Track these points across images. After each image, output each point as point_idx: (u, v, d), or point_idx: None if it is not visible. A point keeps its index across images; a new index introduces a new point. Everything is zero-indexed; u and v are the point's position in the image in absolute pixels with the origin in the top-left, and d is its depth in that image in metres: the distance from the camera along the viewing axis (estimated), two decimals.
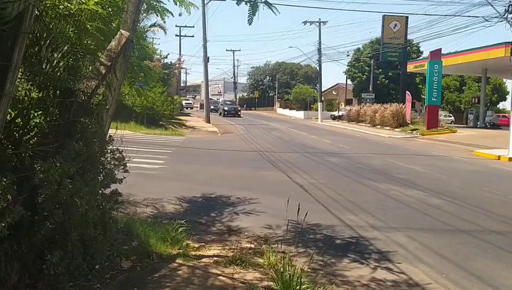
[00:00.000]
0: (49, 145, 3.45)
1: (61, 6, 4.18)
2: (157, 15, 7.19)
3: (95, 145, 4.03)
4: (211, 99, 66.87)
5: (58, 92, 3.67)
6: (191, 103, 75.42)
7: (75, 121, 3.88)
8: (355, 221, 7.48)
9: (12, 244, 3.09)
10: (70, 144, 3.56)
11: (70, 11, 4.37)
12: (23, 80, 3.25)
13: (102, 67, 4.36)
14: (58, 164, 3.28)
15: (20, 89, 3.27)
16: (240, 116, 49.23)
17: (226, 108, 51.86)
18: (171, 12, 7.22)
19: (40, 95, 3.58)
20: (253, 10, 5.91)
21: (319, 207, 8.25)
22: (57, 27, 3.66)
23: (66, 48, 3.66)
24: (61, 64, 3.61)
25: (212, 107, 55.62)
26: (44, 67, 3.46)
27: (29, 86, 3.38)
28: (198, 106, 73.50)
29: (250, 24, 6.05)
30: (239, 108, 54.50)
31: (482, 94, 39.91)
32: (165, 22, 8.61)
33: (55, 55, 3.54)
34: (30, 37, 3.03)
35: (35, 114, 3.59)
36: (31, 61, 3.34)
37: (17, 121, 3.42)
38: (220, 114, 51.56)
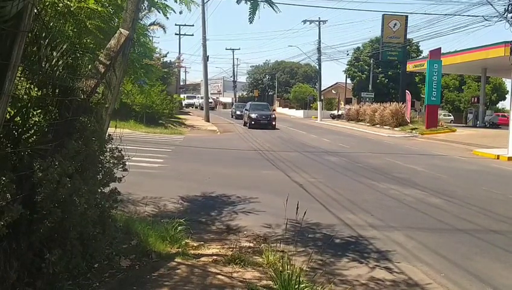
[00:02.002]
0: (48, 144, 3.44)
1: (61, 5, 4.18)
2: (159, 12, 7.16)
3: (94, 144, 4.03)
4: (239, 102, 56.08)
5: (57, 91, 3.67)
6: (211, 102, 64.03)
7: (74, 120, 3.87)
8: (354, 220, 7.49)
9: (11, 243, 3.09)
10: (70, 142, 3.55)
11: (69, 9, 4.37)
12: (22, 78, 3.25)
13: (101, 66, 4.35)
14: (57, 163, 3.28)
15: (19, 87, 3.27)
16: (275, 128, 31.66)
17: (253, 115, 32.42)
18: (172, 9, 7.20)
19: (39, 93, 3.58)
20: (254, 9, 5.90)
21: (318, 206, 8.26)
22: (56, 25, 3.66)
23: (65, 46, 3.65)
24: (60, 62, 3.61)
25: (238, 112, 43.14)
26: (43, 65, 3.46)
27: (28, 84, 3.38)
28: (217, 105, 66.96)
29: (251, 22, 6.04)
30: (273, 115, 33.73)
31: (481, 93, 39.96)
32: (167, 18, 8.58)
33: (55, 53, 3.54)
34: (29, 35, 3.02)
35: (35, 113, 3.59)
36: (30, 60, 3.33)
37: (16, 119, 3.42)
38: (245, 124, 33.87)
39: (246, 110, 35.73)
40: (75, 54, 3.96)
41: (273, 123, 32.11)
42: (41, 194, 3.21)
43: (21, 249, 3.18)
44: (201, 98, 66.36)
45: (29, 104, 3.46)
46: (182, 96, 72.96)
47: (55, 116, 3.65)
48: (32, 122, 3.56)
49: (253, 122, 31.85)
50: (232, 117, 45.47)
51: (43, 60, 3.43)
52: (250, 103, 38.32)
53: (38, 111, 3.60)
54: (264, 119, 32.01)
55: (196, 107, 66.03)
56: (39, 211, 3.25)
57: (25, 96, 3.38)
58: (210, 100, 66.63)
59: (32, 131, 3.56)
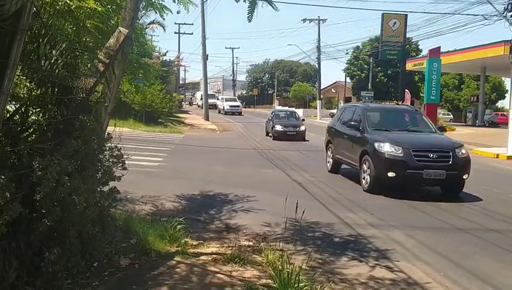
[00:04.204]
0: (47, 143, 3.44)
1: (60, 3, 4.17)
2: (156, 12, 7.18)
3: (93, 142, 4.03)
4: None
5: (56, 90, 3.66)
6: (238, 106, 50.46)
7: (74, 119, 3.87)
8: (353, 219, 7.48)
9: (10, 241, 3.09)
10: (69, 141, 3.55)
11: (69, 8, 4.36)
12: (21, 77, 3.25)
13: (100, 64, 4.35)
14: (56, 162, 3.27)
15: (21, 86, 3.27)
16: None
17: (392, 149, 9.51)
18: (169, 10, 7.21)
19: (39, 92, 3.57)
20: (252, 7, 5.88)
21: (318, 205, 8.25)
22: (56, 24, 3.65)
23: (64, 45, 3.65)
24: (59, 61, 3.60)
25: (279, 127, 22.95)
26: (42, 64, 3.45)
27: (27, 83, 3.38)
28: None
29: (250, 21, 6.02)
30: (462, 150, 10.04)
31: (480, 92, 40.02)
32: (164, 19, 8.57)
33: (54, 52, 3.54)
34: (28, 34, 3.02)
35: (34, 111, 3.59)
36: (29, 59, 3.33)
37: (15, 118, 3.41)
38: (330, 167, 12.65)
39: (345, 123, 12.12)
40: (74, 53, 3.96)
41: (464, 177, 9.87)
42: (41, 193, 3.21)
43: (20, 248, 3.18)
44: (226, 99, 52.47)
45: (28, 103, 3.45)
46: (197, 94, 62.72)
47: (55, 115, 3.65)
48: (32, 121, 3.56)
49: (396, 174, 9.48)
50: (267, 135, 24.79)
51: (42, 58, 3.43)
52: (347, 105, 16.24)
53: (37, 110, 3.60)
54: (438, 166, 9.46)
55: (220, 112, 50.00)
56: (38, 209, 3.25)
57: (24, 95, 3.38)
58: (237, 103, 51.21)
59: (32, 130, 3.56)
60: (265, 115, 47.94)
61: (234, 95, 70.68)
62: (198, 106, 57.72)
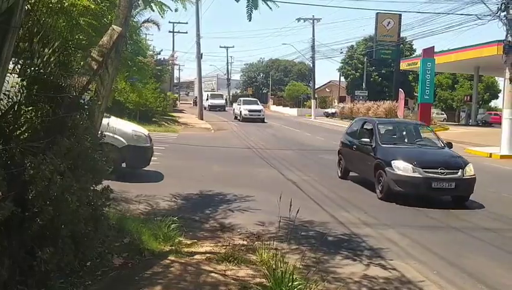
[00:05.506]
0: (39, 141, 3.41)
1: (54, 1, 4.15)
2: (154, 10, 7.11)
3: (86, 141, 4.00)
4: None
5: (49, 88, 3.63)
6: (261, 111, 37.61)
7: (67, 117, 3.84)
8: (347, 218, 7.49)
9: (2, 240, 3.06)
10: (61, 140, 3.52)
11: (62, 5, 4.34)
12: (13, 74, 3.22)
13: (94, 62, 4.33)
14: (48, 160, 3.25)
15: (11, 83, 3.24)
16: None
17: None
18: (169, 7, 7.14)
19: (31, 90, 3.54)
20: (255, 6, 5.82)
21: (312, 204, 8.25)
22: (49, 22, 3.62)
23: (57, 43, 3.62)
24: (52, 59, 3.58)
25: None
26: (35, 62, 3.43)
27: (20, 81, 3.35)
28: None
29: (249, 20, 5.95)
30: None
31: (474, 92, 40.20)
32: (163, 17, 8.36)
33: (46, 50, 3.51)
34: (21, 31, 2.99)
35: (26, 109, 3.56)
36: (22, 56, 3.30)
37: (7, 116, 3.38)
38: None
39: None
40: (67, 51, 3.93)
41: None
42: (33, 191, 3.19)
43: (12, 247, 3.15)
44: (244, 102, 39.78)
45: (20, 101, 3.42)
46: (205, 94, 49.13)
47: (47, 114, 3.62)
48: (24, 119, 3.53)
49: None
50: (342, 176, 11.64)
51: (34, 56, 3.40)
52: None
53: (29, 108, 3.57)
54: None
55: (236, 117, 38.39)
56: (31, 208, 3.22)
57: (16, 93, 3.35)
58: (259, 107, 38.71)
59: (24, 128, 3.53)
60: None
61: (229, 94, 70.12)
62: (205, 108, 45.97)
